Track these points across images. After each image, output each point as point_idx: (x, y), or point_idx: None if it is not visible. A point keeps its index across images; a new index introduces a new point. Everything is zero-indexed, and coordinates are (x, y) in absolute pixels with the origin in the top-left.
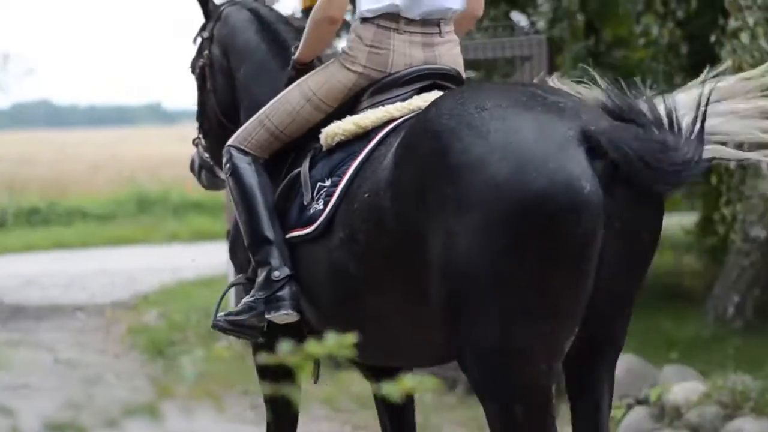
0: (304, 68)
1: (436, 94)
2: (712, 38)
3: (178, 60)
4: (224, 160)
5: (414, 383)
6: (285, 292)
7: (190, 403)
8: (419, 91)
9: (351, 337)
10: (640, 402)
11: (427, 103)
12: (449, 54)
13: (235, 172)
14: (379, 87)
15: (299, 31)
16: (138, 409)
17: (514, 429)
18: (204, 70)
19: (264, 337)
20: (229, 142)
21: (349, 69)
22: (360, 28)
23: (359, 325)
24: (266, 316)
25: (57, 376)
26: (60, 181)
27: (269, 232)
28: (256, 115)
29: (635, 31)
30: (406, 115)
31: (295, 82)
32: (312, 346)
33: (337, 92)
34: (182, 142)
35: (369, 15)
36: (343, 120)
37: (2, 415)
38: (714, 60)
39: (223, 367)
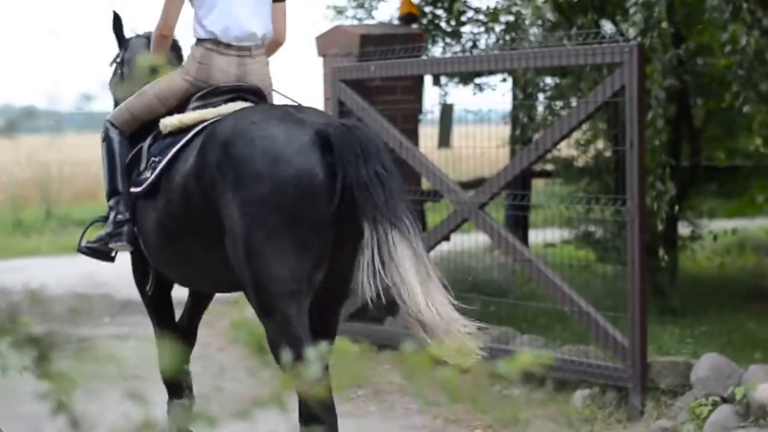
0: (152, 69)
1: (239, 104)
2: None
3: (283, 68)
4: (102, 129)
5: (530, 358)
6: (124, 230)
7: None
8: (227, 101)
9: (474, 341)
10: (726, 400)
11: (230, 111)
12: (258, 72)
13: (106, 139)
14: (202, 95)
15: (174, 48)
16: (266, 400)
17: (274, 329)
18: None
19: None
20: (108, 117)
21: (184, 79)
22: (194, 49)
23: (174, 261)
24: (109, 245)
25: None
26: None
27: (120, 186)
28: (125, 101)
29: (721, 39)
30: (215, 118)
31: (150, 84)
32: (434, 349)
33: (175, 95)
34: None
35: (199, 38)
36: (173, 116)
37: (136, 402)
38: None
39: (346, 360)
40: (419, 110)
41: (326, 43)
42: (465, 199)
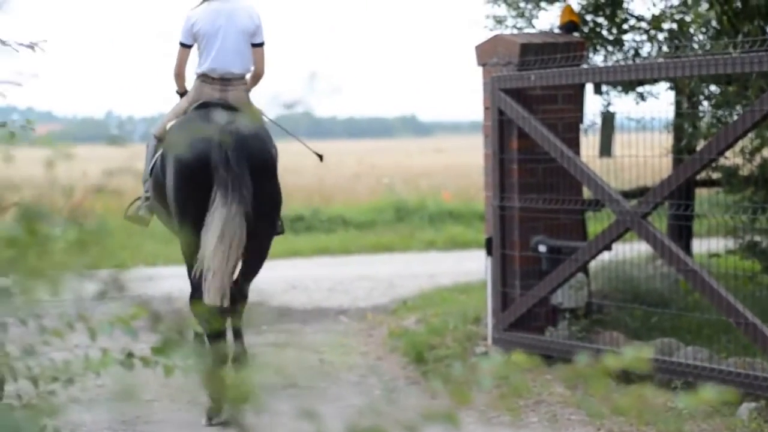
0: (180, 94)
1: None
2: None
3: (434, 75)
4: (152, 137)
5: (713, 395)
6: (148, 203)
7: (490, 412)
8: (207, 109)
9: (647, 351)
10: None
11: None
12: (235, 96)
13: (149, 144)
14: (194, 107)
15: None
16: (437, 415)
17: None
18: None
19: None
20: (152, 131)
21: (187, 101)
22: (195, 80)
23: (165, 215)
24: (139, 213)
25: (324, 378)
26: (322, 190)
27: (149, 174)
28: (162, 119)
29: None
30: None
31: (174, 105)
32: (609, 359)
33: (182, 111)
34: (437, 153)
35: (197, 74)
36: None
37: (307, 419)
38: None
39: (516, 373)
40: (580, 119)
41: (486, 52)
42: (627, 208)
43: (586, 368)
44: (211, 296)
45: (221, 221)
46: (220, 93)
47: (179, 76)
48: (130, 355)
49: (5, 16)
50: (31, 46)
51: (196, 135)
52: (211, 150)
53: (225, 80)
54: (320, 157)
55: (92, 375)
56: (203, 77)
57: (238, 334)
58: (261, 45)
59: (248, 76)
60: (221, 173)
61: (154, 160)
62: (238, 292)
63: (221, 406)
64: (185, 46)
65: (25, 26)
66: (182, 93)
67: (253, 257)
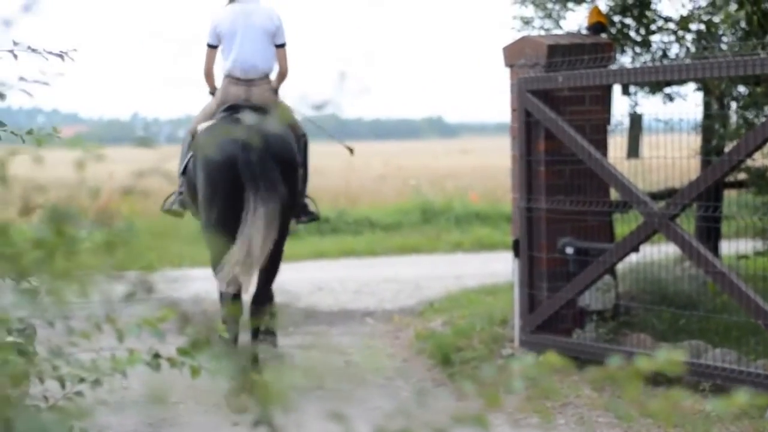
0: (212, 93)
1: (237, 115)
2: None
3: (461, 76)
4: (187, 133)
5: (745, 399)
6: (181, 198)
7: (518, 414)
8: (235, 113)
9: (679, 354)
10: None
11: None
12: (260, 94)
13: (184, 141)
14: (222, 109)
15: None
16: (466, 418)
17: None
18: None
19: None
20: (188, 128)
21: (215, 101)
22: (222, 80)
23: (195, 210)
24: (173, 207)
25: (350, 380)
26: (348, 192)
27: (182, 172)
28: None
29: None
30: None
31: (205, 104)
32: (641, 361)
33: (211, 110)
34: (464, 155)
35: (224, 74)
36: (200, 124)
37: (335, 420)
38: None
39: (545, 375)
40: (608, 120)
41: (513, 54)
42: (655, 210)
43: (617, 371)
44: (232, 287)
45: (262, 220)
46: (245, 92)
47: (208, 75)
48: (156, 356)
49: (33, 18)
50: (61, 55)
51: (223, 144)
52: (237, 157)
53: (249, 80)
54: (351, 150)
55: (119, 377)
56: (229, 77)
57: (255, 335)
58: (283, 46)
59: (273, 75)
60: (251, 177)
61: (187, 159)
62: (263, 292)
63: (242, 405)
64: (211, 47)
65: (53, 27)
66: (214, 92)
67: (273, 258)
